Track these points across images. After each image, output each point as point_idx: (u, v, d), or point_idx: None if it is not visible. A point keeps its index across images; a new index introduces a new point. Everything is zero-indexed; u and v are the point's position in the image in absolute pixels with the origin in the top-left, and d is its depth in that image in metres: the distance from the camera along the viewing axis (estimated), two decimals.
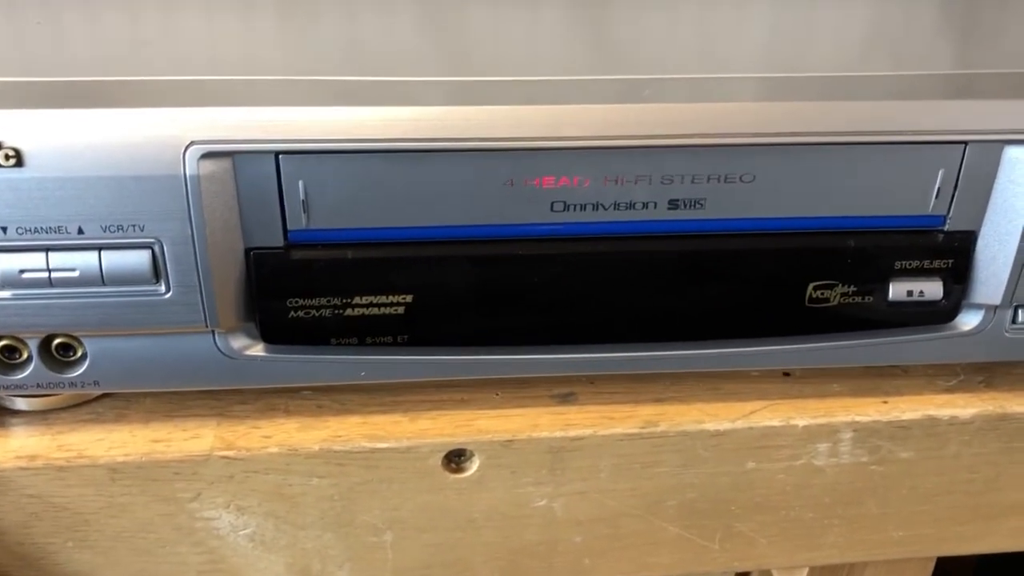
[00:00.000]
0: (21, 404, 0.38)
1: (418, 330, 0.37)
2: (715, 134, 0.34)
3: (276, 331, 0.36)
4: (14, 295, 0.34)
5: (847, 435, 0.40)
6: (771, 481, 0.41)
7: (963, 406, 0.40)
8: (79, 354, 0.36)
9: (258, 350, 0.36)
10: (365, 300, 0.36)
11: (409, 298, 0.36)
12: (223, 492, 0.37)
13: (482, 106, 0.33)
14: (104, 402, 0.39)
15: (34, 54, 0.37)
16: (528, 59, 0.38)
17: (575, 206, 0.35)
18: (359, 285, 0.35)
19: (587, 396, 0.40)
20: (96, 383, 0.36)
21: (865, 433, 0.40)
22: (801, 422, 0.39)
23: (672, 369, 0.40)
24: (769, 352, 0.39)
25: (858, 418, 0.40)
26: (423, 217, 0.35)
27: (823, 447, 0.40)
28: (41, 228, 0.32)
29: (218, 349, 0.36)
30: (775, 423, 0.39)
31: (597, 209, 0.35)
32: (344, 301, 0.36)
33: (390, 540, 0.40)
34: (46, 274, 0.33)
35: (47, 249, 0.33)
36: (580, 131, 0.33)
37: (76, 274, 0.33)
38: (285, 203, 0.34)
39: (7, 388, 0.36)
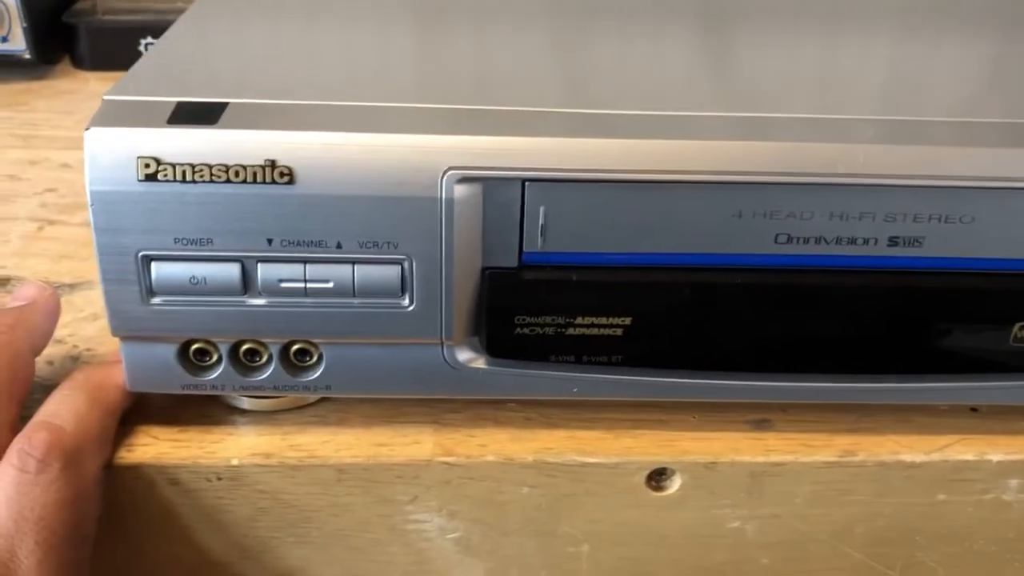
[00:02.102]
0: (246, 404, 0.41)
1: (632, 351, 0.38)
2: (941, 176, 0.35)
3: (501, 346, 0.38)
4: (269, 302, 0.36)
5: None
6: (959, 514, 0.41)
7: None
8: (315, 359, 0.38)
9: (481, 363, 0.38)
10: (586, 320, 0.38)
11: (628, 320, 0.38)
12: (438, 496, 0.39)
13: (716, 141, 0.35)
14: (325, 405, 0.41)
15: (302, 79, 0.39)
16: (760, 95, 0.39)
17: (798, 239, 0.36)
18: (583, 306, 0.37)
19: (782, 423, 0.41)
20: (328, 387, 0.39)
21: None
22: (995, 457, 0.40)
23: (869, 400, 0.41)
24: (967, 388, 0.40)
25: None
26: (650, 244, 0.36)
27: (1014, 483, 0.41)
28: (303, 241, 0.35)
29: (445, 360, 0.38)
30: (969, 457, 0.40)
31: (819, 243, 0.36)
32: (567, 320, 0.37)
33: (586, 551, 0.41)
34: (302, 284, 0.35)
35: (306, 261, 0.35)
36: (810, 168, 0.35)
37: (330, 285, 0.35)
38: (525, 227, 0.36)
39: (247, 388, 0.39)
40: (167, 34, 0.43)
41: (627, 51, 0.45)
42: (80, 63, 0.79)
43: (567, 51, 0.45)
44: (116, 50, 0.76)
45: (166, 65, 0.40)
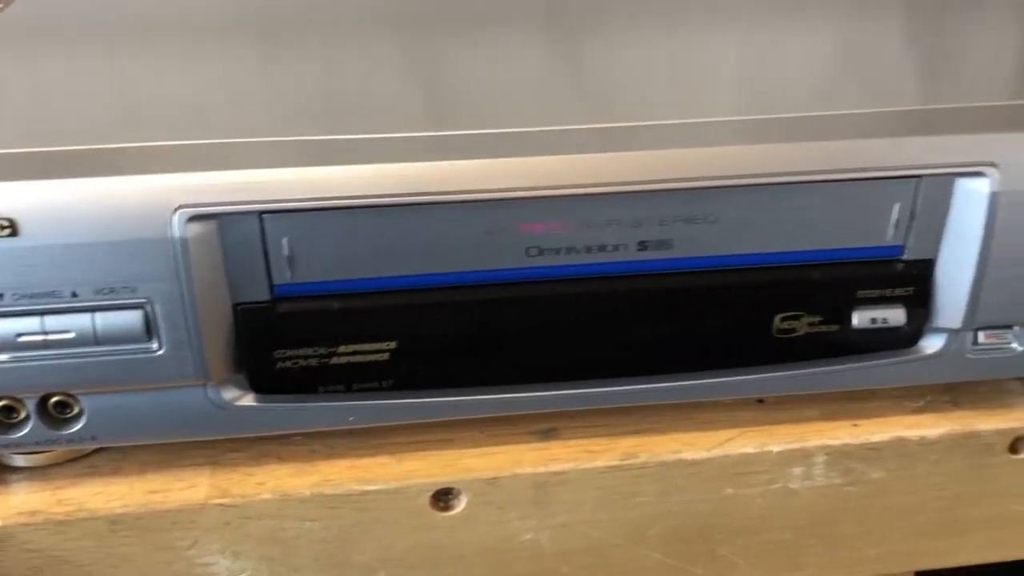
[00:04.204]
0: (20, 461, 0.40)
1: (402, 375, 0.38)
2: (679, 179, 0.35)
3: (265, 381, 0.37)
4: (11, 358, 0.35)
5: (820, 459, 0.41)
6: (749, 506, 0.42)
7: (931, 426, 0.42)
8: (76, 411, 0.37)
9: (248, 400, 0.38)
10: (350, 348, 0.37)
11: (393, 344, 0.37)
12: (219, 539, 0.39)
13: (458, 160, 0.35)
14: (101, 455, 0.40)
15: (24, 123, 0.38)
16: (500, 110, 0.40)
17: (549, 250, 0.36)
18: (344, 334, 0.37)
19: (568, 431, 0.41)
20: (93, 438, 0.38)
21: (837, 456, 0.41)
22: (775, 448, 0.41)
23: (649, 401, 0.41)
24: (741, 382, 0.40)
25: (830, 442, 0.41)
26: (404, 267, 0.36)
27: (798, 471, 0.41)
28: (36, 293, 0.34)
29: (210, 401, 0.37)
30: (750, 450, 0.41)
31: (570, 253, 0.36)
32: (330, 350, 0.37)
33: None
34: (42, 337, 0.34)
35: (42, 313, 0.34)
36: (552, 180, 0.35)
37: (71, 336, 0.34)
38: (270, 259, 0.35)
39: (6, 447, 0.37)
40: None
41: (370, 73, 0.44)
42: None
43: (310, 76, 0.44)
44: None
45: None
